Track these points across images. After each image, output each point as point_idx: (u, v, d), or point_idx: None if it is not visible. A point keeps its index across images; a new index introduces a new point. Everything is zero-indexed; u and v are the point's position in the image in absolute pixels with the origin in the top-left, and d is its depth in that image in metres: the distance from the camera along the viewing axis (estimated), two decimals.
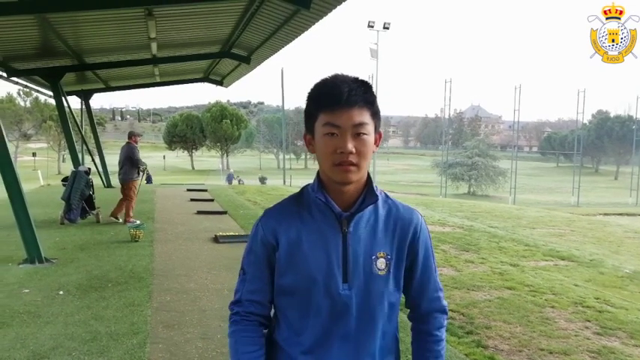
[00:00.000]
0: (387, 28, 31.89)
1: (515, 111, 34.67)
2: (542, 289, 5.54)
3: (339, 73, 1.25)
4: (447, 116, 44.01)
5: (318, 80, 1.26)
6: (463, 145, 52.60)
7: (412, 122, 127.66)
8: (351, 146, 1.16)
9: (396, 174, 61.00)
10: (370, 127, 1.20)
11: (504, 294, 5.36)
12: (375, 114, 1.23)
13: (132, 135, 9.55)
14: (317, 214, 1.25)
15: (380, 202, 1.28)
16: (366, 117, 1.19)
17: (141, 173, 9.41)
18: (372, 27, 31.29)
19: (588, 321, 4.60)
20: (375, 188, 1.26)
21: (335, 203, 1.24)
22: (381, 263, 1.24)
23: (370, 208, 1.26)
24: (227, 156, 63.44)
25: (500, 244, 8.25)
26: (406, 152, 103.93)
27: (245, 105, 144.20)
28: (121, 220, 9.21)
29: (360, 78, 1.25)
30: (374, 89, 1.26)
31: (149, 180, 29.46)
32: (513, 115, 35.65)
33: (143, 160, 9.37)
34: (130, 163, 9.13)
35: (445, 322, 1.38)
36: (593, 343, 4.10)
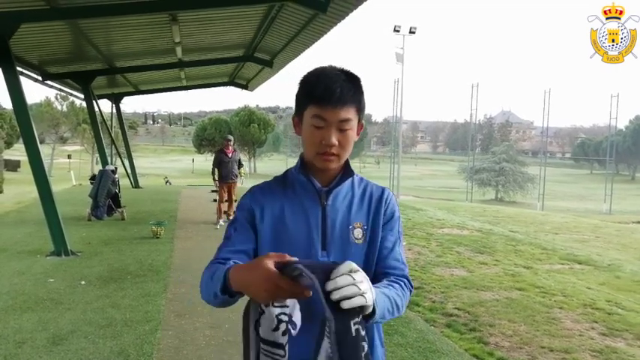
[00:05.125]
0: (414, 33, 31.75)
1: (544, 115, 33.93)
2: (552, 291, 5.50)
3: (331, 66, 1.33)
4: (474, 121, 43.22)
5: (311, 69, 1.34)
6: (491, 150, 51.69)
7: (441, 127, 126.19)
8: (335, 140, 1.28)
9: (423, 179, 60.30)
10: (354, 122, 1.31)
11: (513, 294, 5.35)
12: (360, 109, 1.32)
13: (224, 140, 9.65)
14: (299, 190, 1.38)
15: (356, 181, 1.42)
16: (351, 113, 1.29)
17: (225, 178, 9.35)
18: (398, 31, 31.21)
19: (595, 322, 4.57)
20: (351, 167, 1.40)
21: (316, 180, 1.37)
22: (357, 233, 1.35)
23: (348, 185, 1.39)
24: (254, 159, 64.13)
25: (516, 248, 8.17)
26: (434, 157, 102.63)
27: (274, 110, 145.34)
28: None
29: (351, 72, 1.32)
30: (362, 88, 1.33)
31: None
32: (543, 120, 34.91)
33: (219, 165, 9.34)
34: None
35: (408, 292, 1.34)
36: (597, 343, 4.09)
